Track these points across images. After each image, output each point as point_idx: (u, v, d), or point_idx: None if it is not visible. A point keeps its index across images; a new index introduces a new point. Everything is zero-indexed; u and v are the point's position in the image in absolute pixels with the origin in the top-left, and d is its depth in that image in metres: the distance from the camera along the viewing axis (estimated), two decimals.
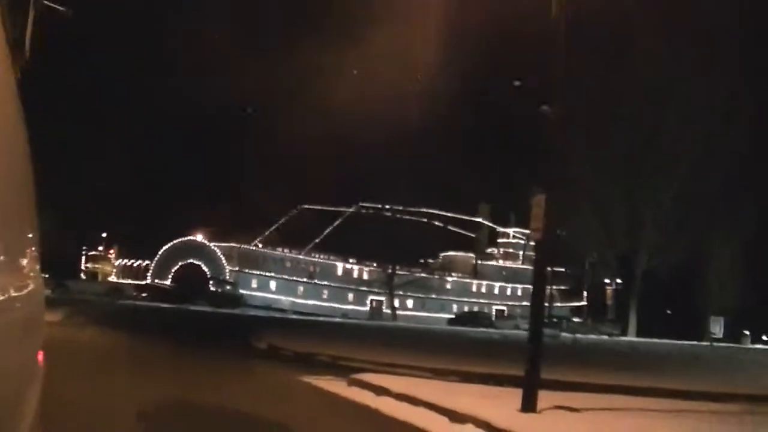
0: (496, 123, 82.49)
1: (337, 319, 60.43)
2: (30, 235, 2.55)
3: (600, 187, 69.81)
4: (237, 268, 73.57)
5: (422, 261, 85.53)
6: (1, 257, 1.76)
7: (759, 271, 67.30)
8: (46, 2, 2.56)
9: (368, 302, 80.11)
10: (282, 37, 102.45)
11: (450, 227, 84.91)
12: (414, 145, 71.97)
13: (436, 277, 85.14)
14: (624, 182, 69.90)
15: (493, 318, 75.72)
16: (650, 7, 59.99)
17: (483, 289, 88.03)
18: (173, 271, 71.56)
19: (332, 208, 78.58)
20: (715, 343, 61.09)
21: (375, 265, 79.81)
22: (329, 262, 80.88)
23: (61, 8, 2.69)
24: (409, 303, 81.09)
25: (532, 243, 12.58)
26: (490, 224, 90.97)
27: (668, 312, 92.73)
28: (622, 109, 66.89)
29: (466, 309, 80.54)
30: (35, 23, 2.42)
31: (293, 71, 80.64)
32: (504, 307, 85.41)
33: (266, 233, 77.84)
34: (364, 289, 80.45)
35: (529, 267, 52.54)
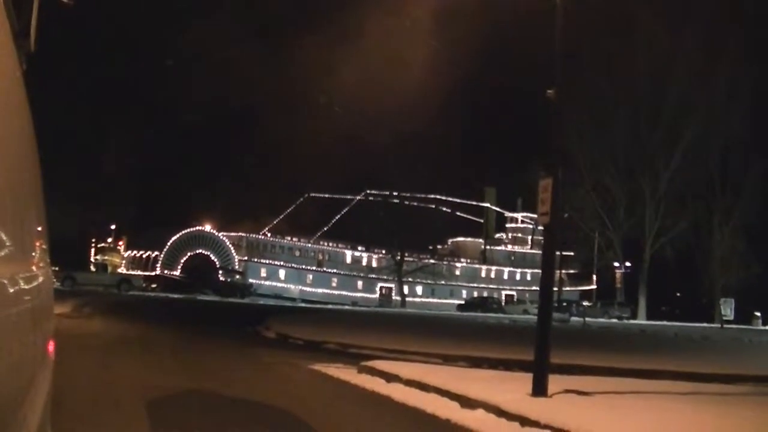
0: (501, 106, 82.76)
1: (347, 307, 60.52)
2: (38, 228, 2.56)
3: (602, 166, 70.08)
4: (246, 258, 73.61)
5: (431, 247, 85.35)
6: (11, 249, 1.77)
7: (764, 250, 67.02)
8: None
9: (377, 289, 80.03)
10: (284, 29, 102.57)
11: (458, 213, 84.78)
12: (418, 131, 71.90)
13: (445, 263, 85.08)
14: (625, 161, 70.18)
15: (503, 303, 75.69)
16: None
17: (492, 275, 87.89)
18: (182, 261, 71.63)
19: (339, 196, 78.52)
20: (725, 325, 60.98)
21: (383, 252, 79.69)
22: (338, 250, 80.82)
23: None
24: (419, 289, 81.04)
25: (540, 227, 12.56)
26: (498, 209, 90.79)
27: (677, 294, 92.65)
28: (625, 88, 67.08)
29: (475, 294, 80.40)
30: (39, 13, 2.42)
31: (298, 61, 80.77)
32: (513, 292, 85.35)
33: (274, 222, 77.88)
34: (373, 276, 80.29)
35: (538, 251, 52.64)
